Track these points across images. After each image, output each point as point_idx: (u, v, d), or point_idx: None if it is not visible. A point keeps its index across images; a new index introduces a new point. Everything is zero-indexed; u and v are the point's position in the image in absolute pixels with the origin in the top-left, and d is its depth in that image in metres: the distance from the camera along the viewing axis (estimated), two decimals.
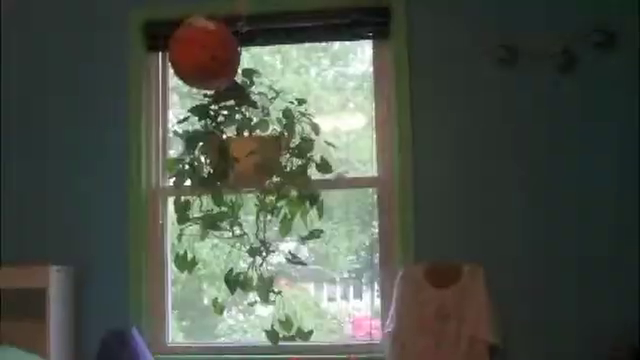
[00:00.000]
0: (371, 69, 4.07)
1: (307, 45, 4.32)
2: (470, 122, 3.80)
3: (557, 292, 3.65)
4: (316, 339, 3.75)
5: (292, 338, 3.58)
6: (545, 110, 3.76)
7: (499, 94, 3.80)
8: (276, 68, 4.36)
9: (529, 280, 3.67)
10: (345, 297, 4.51)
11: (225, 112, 3.56)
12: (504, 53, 3.79)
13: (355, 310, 4.47)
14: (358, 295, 4.48)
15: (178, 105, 4.25)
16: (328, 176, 3.68)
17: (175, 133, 3.71)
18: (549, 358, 3.60)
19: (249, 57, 3.99)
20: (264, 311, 4.13)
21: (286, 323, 3.57)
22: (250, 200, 3.65)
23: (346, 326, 4.42)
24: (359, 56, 4.32)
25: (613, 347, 3.45)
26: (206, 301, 4.37)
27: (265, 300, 3.55)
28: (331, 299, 4.55)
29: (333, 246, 4.37)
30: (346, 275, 4.48)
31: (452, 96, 3.83)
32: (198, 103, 3.59)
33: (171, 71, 3.85)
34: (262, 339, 3.75)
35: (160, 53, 4.07)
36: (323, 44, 4.33)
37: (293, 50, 4.39)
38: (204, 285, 4.40)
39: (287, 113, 3.57)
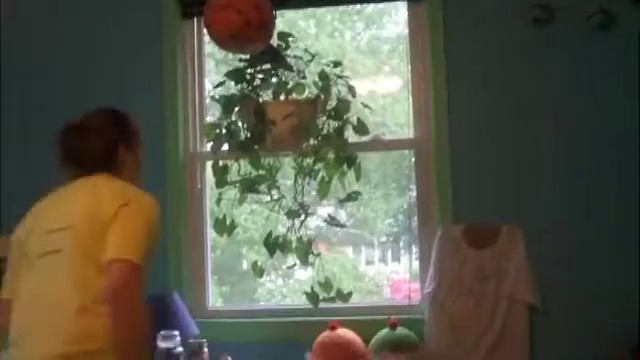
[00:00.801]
0: (406, 31, 4.04)
1: (341, 8, 4.30)
2: (506, 83, 3.77)
3: (592, 255, 3.63)
4: (355, 301, 3.79)
5: (332, 300, 3.62)
6: (581, 70, 3.72)
7: (534, 54, 3.76)
8: (310, 32, 4.35)
9: (565, 242, 3.65)
10: (383, 260, 4.53)
11: (261, 76, 3.58)
12: (539, 12, 3.74)
13: (393, 273, 4.50)
14: (396, 258, 4.50)
15: (214, 72, 4.26)
16: (364, 138, 3.69)
17: (212, 98, 3.73)
18: (585, 319, 3.58)
19: (283, 22, 3.98)
20: (303, 275, 4.16)
21: (326, 285, 3.61)
22: (288, 163, 3.67)
23: (384, 289, 4.44)
24: (393, 18, 4.29)
25: None
26: (245, 266, 4.40)
27: (304, 262, 3.59)
28: (369, 262, 4.57)
29: (371, 210, 4.38)
30: (384, 238, 4.49)
31: (488, 57, 3.79)
32: (234, 67, 3.61)
33: (206, 37, 3.87)
34: (300, 303, 3.79)
35: (195, 19, 4.07)
36: (357, 7, 4.30)
37: (327, 14, 4.37)
38: (243, 250, 4.44)
39: (323, 76, 3.57)
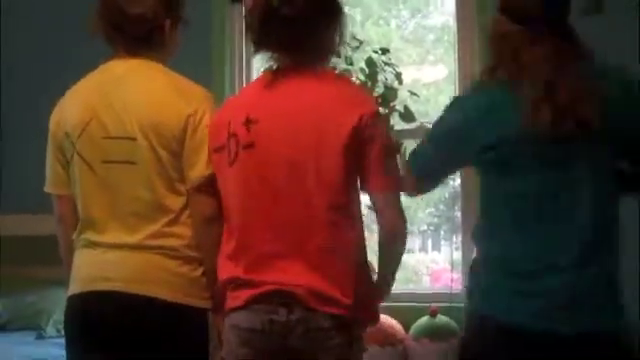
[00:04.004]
0: (451, 20, 4.04)
1: None
2: None
3: None
4: (394, 288, 3.79)
5: None
6: (630, 60, 3.67)
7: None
8: (356, 20, 4.35)
9: None
10: (423, 249, 4.53)
11: None
12: (588, 2, 3.70)
13: (433, 263, 4.50)
14: (436, 247, 4.50)
15: (259, 57, 4.27)
16: (407, 126, 3.69)
17: None
18: None
19: None
20: None
21: None
22: None
23: (423, 278, 4.45)
24: (439, 8, 4.29)
25: None
26: None
27: None
28: (409, 251, 4.57)
29: (411, 199, 4.37)
30: (424, 227, 4.49)
31: None
32: None
33: None
34: None
35: (244, 4, 4.09)
36: None
37: (373, 2, 4.37)
38: None
39: (370, 62, 3.58)
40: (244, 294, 2.12)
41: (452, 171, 2.26)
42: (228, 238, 2.19)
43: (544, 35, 2.00)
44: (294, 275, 2.08)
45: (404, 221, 2.20)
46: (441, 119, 2.14)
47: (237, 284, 2.14)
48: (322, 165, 2.07)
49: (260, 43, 2.18)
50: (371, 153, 2.09)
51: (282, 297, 2.08)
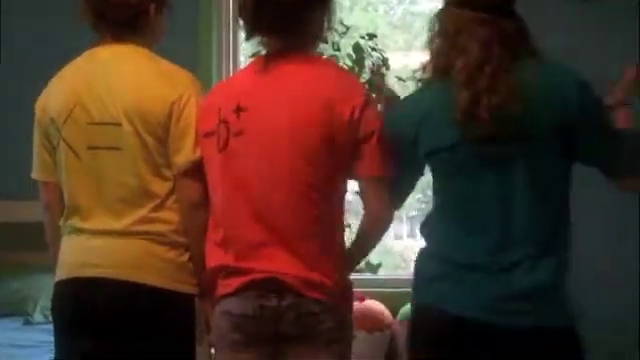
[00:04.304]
0: (441, 6, 4.03)
1: None
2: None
3: None
4: (383, 274, 3.81)
5: (360, 271, 3.63)
6: (626, 46, 3.67)
7: (579, 30, 3.72)
8: (344, 5, 4.34)
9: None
10: (412, 235, 4.54)
11: None
12: None
13: None
14: None
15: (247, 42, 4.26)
16: None
17: None
18: None
19: None
20: None
21: None
22: None
23: (412, 264, 4.45)
24: None
25: None
26: None
27: None
28: (398, 237, 4.58)
29: None
30: (413, 213, 4.50)
31: (530, 33, 3.75)
32: None
33: None
34: None
35: None
36: None
37: None
38: None
39: (357, 48, 3.58)
40: (234, 282, 2.12)
41: (410, 178, 2.23)
42: (215, 226, 2.18)
43: (494, 19, 1.98)
44: (281, 264, 2.08)
45: (391, 208, 2.18)
46: (393, 122, 2.11)
47: (227, 272, 2.14)
48: (309, 155, 2.07)
49: (253, 28, 2.18)
50: (362, 139, 2.08)
51: (272, 284, 2.08)
